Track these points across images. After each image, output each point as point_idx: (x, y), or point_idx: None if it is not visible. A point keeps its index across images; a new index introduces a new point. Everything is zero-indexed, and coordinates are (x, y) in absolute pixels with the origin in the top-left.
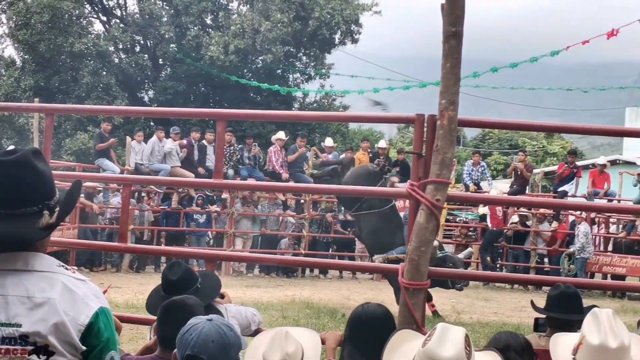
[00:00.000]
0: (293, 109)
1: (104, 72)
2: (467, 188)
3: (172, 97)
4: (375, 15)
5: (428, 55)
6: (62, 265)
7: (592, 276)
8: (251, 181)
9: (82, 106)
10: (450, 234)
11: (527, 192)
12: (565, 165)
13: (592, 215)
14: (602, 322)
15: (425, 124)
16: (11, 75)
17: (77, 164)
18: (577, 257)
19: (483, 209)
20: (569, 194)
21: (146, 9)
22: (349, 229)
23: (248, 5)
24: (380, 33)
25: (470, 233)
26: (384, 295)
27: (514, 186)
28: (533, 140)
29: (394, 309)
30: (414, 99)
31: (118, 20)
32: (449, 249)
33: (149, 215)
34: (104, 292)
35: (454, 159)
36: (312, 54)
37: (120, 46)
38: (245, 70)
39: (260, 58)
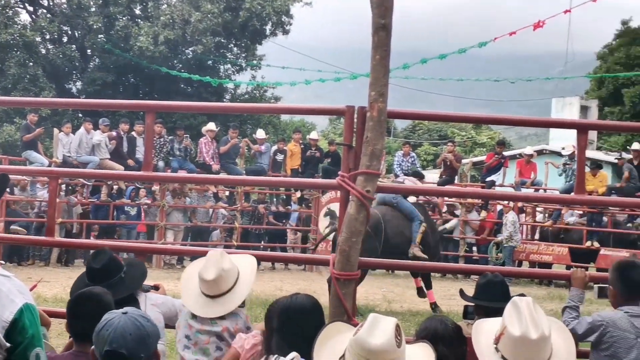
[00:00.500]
0: (224, 100)
1: (31, 63)
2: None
3: (100, 88)
4: (306, 7)
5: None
6: None
7: (519, 264)
8: (182, 173)
9: (8, 98)
10: None
11: (455, 182)
12: (495, 155)
13: (520, 204)
14: (522, 312)
15: (356, 116)
16: None
17: (3, 157)
18: (505, 245)
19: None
20: (496, 184)
21: None
22: (284, 221)
23: None
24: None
25: None
26: (316, 285)
27: (443, 176)
28: (462, 131)
29: (324, 299)
30: (345, 91)
31: (45, 11)
32: None
33: (77, 208)
34: (33, 287)
35: (384, 150)
36: (243, 45)
37: (48, 37)
38: (175, 61)
39: (190, 49)
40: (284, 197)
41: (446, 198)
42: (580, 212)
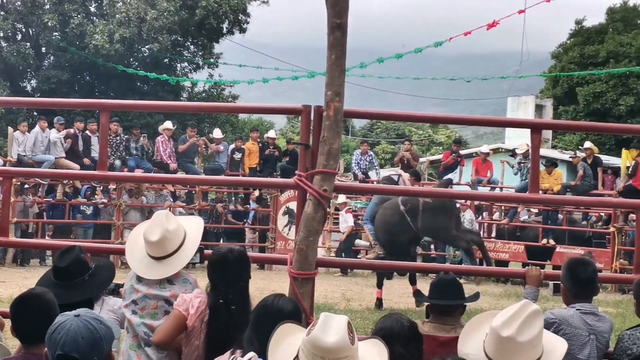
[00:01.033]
0: (181, 98)
1: None
2: (355, 177)
3: (55, 87)
4: (262, 5)
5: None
6: None
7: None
8: (139, 172)
9: None
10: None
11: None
12: (452, 154)
13: (477, 202)
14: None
15: (312, 115)
16: None
17: None
18: None
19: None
20: (453, 182)
21: None
22: (245, 221)
23: None
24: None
25: (359, 222)
26: (275, 284)
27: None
28: (419, 129)
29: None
30: (303, 89)
31: None
32: (338, 237)
33: (34, 208)
34: None
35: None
36: (200, 43)
37: (1, 34)
38: (131, 59)
39: (146, 47)
40: (242, 196)
41: None
42: (536, 210)
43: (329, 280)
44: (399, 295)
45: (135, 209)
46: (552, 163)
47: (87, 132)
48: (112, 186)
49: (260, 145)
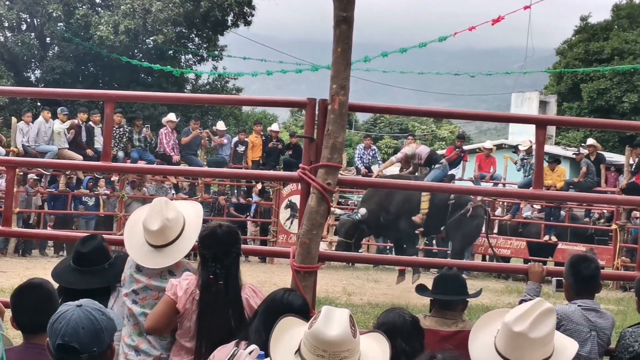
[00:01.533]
0: (185, 90)
1: None
2: (358, 171)
3: (59, 77)
4: None
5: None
6: None
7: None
8: (142, 164)
9: None
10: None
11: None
12: (455, 149)
13: (479, 198)
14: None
15: (317, 108)
16: None
17: None
18: None
19: None
20: (456, 178)
21: None
22: (247, 214)
23: None
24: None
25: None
26: (276, 277)
27: (404, 170)
28: (423, 124)
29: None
30: (307, 82)
31: None
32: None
33: (36, 198)
34: None
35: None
36: (204, 35)
37: (6, 24)
38: (136, 51)
39: (151, 38)
40: (245, 188)
41: None
42: (539, 207)
43: (331, 274)
44: (401, 290)
45: (138, 200)
46: (555, 159)
47: (90, 123)
48: (114, 177)
49: (263, 138)
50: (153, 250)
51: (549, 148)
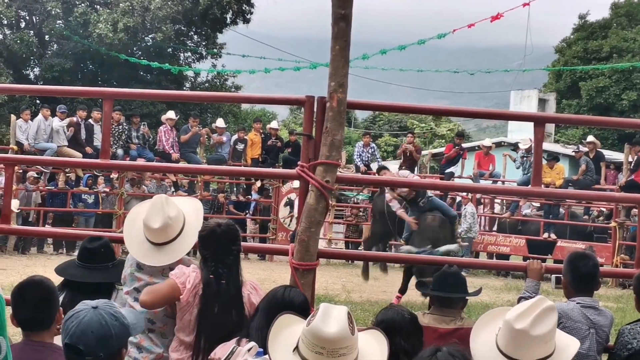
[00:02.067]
0: (184, 88)
1: None
2: (357, 169)
3: (58, 75)
4: None
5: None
6: None
7: (477, 255)
8: (141, 161)
9: None
10: (341, 215)
11: (415, 173)
12: (454, 147)
13: (478, 196)
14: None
15: (315, 106)
16: None
17: None
18: (464, 236)
19: None
20: (455, 175)
21: None
22: (246, 212)
23: None
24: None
25: (360, 213)
26: (276, 275)
27: (403, 167)
28: (422, 122)
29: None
30: (306, 80)
31: None
32: (340, 229)
33: (36, 196)
34: None
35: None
36: (203, 33)
37: (5, 22)
38: (134, 49)
39: (150, 36)
40: (244, 186)
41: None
42: (538, 205)
43: (330, 272)
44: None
45: (137, 198)
46: (554, 157)
47: (90, 120)
48: (114, 175)
49: (262, 136)
50: (154, 247)
51: (548, 146)
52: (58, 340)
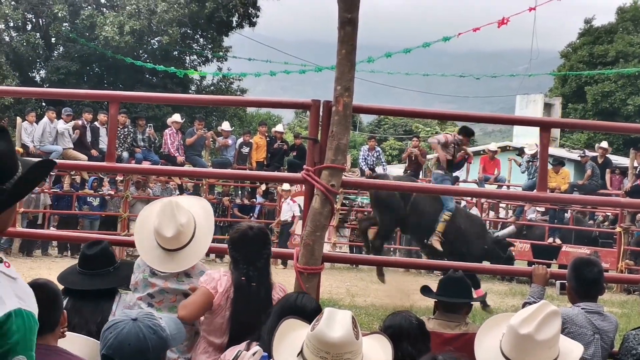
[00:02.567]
0: (190, 91)
1: None
2: (362, 173)
3: (64, 77)
4: None
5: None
6: None
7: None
8: (146, 164)
9: None
10: (346, 219)
11: (420, 177)
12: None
13: (483, 200)
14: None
15: (321, 110)
16: None
17: None
18: None
19: None
20: (460, 180)
21: None
22: (251, 215)
23: None
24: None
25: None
26: (280, 278)
27: (408, 171)
28: (427, 126)
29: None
30: (311, 83)
31: None
32: (345, 232)
33: (45, 198)
34: None
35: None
36: (209, 36)
37: (11, 24)
38: (140, 52)
39: (156, 39)
40: (249, 189)
41: None
42: (543, 209)
43: (334, 276)
44: (404, 291)
45: (142, 201)
46: (559, 162)
47: (95, 123)
48: (119, 178)
49: (267, 139)
50: (166, 253)
51: (554, 150)
52: (62, 343)
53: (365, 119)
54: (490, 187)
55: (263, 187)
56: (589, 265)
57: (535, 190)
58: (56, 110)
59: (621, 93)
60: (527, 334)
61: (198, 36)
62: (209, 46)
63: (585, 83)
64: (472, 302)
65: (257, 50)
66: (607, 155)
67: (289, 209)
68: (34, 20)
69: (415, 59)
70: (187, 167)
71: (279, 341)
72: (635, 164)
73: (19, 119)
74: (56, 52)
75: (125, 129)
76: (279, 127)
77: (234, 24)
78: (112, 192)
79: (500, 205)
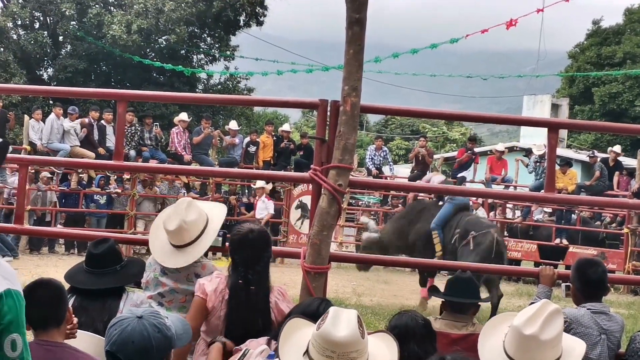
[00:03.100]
0: (197, 90)
1: (2, 49)
2: (369, 172)
3: (72, 76)
4: None
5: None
6: None
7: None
8: (153, 163)
9: None
10: (353, 218)
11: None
12: (466, 151)
13: (490, 200)
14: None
15: (329, 109)
16: None
17: None
18: None
19: None
20: (467, 180)
21: None
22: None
23: None
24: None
25: (372, 216)
26: (286, 277)
27: (415, 171)
28: (434, 126)
29: (294, 291)
30: (318, 83)
31: None
32: (351, 232)
33: (51, 195)
34: None
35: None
36: (216, 35)
37: (19, 22)
38: (148, 50)
39: (163, 38)
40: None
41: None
42: (550, 210)
43: (341, 275)
44: (410, 291)
45: (149, 199)
46: (566, 162)
47: (102, 121)
48: (126, 176)
49: (274, 138)
50: (174, 250)
51: (561, 151)
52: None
53: (372, 118)
54: (497, 188)
55: (270, 186)
56: (592, 265)
57: (542, 191)
58: (63, 107)
59: (629, 94)
60: (531, 335)
61: (205, 35)
62: (217, 45)
63: (592, 84)
64: (479, 303)
65: (264, 50)
66: (618, 159)
67: (264, 207)
68: (41, 18)
69: (422, 59)
70: (194, 166)
71: (285, 340)
72: None
73: (26, 117)
74: (64, 51)
75: (133, 128)
76: (285, 127)
77: (241, 23)
78: (119, 190)
79: (507, 205)
